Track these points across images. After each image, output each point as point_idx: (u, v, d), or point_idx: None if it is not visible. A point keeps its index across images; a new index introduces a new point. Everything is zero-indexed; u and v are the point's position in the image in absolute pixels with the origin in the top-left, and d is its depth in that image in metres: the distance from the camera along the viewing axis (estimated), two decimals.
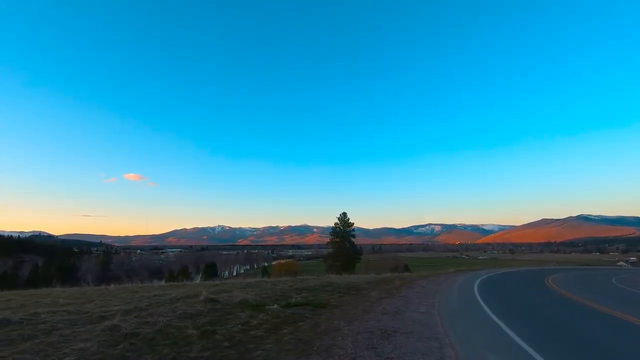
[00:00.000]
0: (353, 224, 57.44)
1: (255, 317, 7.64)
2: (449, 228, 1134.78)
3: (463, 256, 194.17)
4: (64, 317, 7.50)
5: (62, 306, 9.19)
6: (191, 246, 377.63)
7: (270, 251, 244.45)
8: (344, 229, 56.65)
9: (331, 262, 54.63)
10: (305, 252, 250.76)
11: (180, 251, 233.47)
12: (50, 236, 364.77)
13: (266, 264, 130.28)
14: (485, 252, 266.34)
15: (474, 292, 14.20)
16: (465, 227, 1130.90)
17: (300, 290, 12.67)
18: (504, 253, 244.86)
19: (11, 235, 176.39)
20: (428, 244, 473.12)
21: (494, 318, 8.50)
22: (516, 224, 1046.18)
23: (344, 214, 57.26)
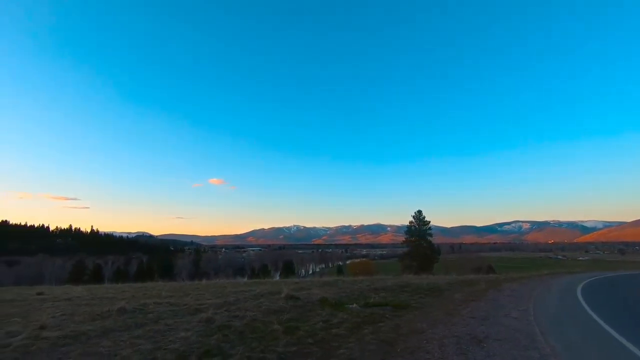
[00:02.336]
0: (429, 222, 55.01)
1: (335, 316, 7.70)
2: (539, 225, 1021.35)
3: (558, 257, 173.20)
4: (167, 309, 8.42)
5: (165, 298, 10.34)
6: (269, 245, 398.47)
7: (344, 250, 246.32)
8: (419, 227, 54.54)
9: (407, 262, 52.97)
10: (379, 252, 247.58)
11: (260, 250, 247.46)
12: (151, 236, 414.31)
13: (340, 263, 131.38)
14: (586, 252, 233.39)
15: (577, 297, 12.52)
16: (560, 224, 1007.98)
17: (378, 290, 12.47)
18: (611, 253, 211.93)
19: (121, 236, 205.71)
20: (515, 243, 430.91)
21: (607, 328, 7.35)
22: (626, 220, 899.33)
23: (419, 211, 55.15)
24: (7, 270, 79.28)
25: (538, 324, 7.62)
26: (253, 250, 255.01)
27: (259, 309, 8.29)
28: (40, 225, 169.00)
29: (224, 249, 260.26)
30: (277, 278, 46.81)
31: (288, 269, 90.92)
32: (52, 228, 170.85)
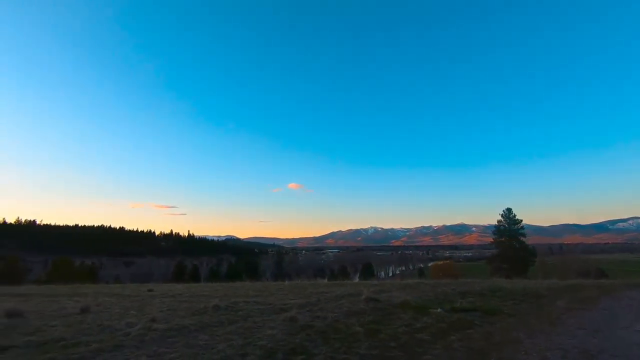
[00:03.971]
0: (521, 220, 50.00)
1: (418, 320, 7.40)
2: None
3: None
4: (255, 307, 8.96)
5: (252, 297, 11.02)
6: (347, 247, 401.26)
7: (425, 252, 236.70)
8: (509, 226, 49.86)
9: (497, 265, 48.77)
10: (464, 253, 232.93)
11: (338, 251, 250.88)
12: (238, 239, 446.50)
13: (422, 265, 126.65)
14: None
15: None
16: None
17: (465, 294, 11.66)
18: None
19: (213, 239, 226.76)
20: (634, 244, 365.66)
21: None
22: None
23: (509, 209, 50.45)
24: (125, 269, 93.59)
25: None
26: (332, 252, 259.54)
27: (340, 310, 8.36)
28: (148, 230, 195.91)
29: (304, 251, 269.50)
30: (356, 280, 46.86)
31: (367, 271, 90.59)
32: (157, 233, 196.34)
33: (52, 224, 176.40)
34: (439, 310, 8.53)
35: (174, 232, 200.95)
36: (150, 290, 15.00)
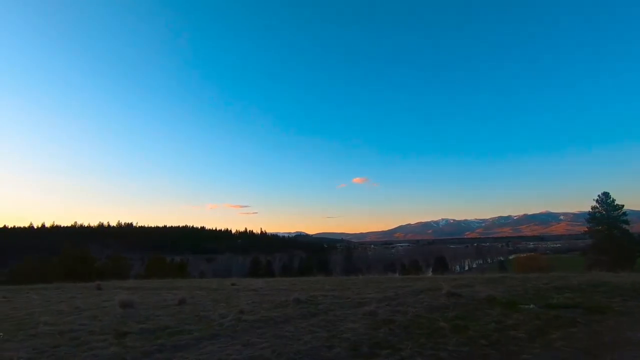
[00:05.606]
0: (622, 206, 43.84)
1: (508, 316, 6.88)
2: None
3: None
4: (333, 301, 9.13)
5: (329, 291, 11.23)
6: (417, 240, 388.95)
7: (504, 244, 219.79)
8: (607, 213, 44.03)
9: (594, 256, 43.39)
10: (551, 244, 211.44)
11: (409, 245, 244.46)
12: (307, 235, 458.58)
13: (502, 258, 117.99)
14: None
15: None
16: None
17: (560, 289, 10.53)
18: None
19: (284, 236, 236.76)
20: None
21: None
22: None
23: (606, 194, 44.52)
24: (207, 265, 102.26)
25: None
26: (402, 245, 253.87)
27: (420, 305, 8.13)
28: (225, 229, 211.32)
29: (372, 245, 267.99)
30: (430, 274, 45.24)
31: (441, 265, 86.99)
32: (233, 231, 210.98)
33: (146, 225, 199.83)
34: (531, 306, 7.84)
35: (248, 230, 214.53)
36: (233, 285, 16.10)
